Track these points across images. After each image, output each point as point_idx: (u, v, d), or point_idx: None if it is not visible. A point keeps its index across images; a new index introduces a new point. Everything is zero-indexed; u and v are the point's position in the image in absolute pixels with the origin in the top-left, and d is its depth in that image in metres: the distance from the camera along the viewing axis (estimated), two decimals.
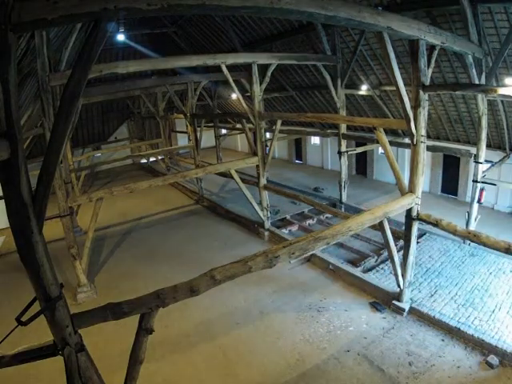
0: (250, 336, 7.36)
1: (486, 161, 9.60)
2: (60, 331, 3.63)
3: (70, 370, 3.74)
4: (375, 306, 7.87)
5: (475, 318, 7.02)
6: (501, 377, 5.79)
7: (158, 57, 12.95)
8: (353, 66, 12.50)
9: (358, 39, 11.45)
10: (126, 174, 24.26)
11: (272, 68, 10.77)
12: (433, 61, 6.46)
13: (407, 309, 7.51)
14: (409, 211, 7.01)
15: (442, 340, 6.71)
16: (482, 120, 8.96)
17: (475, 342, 6.48)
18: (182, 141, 26.75)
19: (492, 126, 11.24)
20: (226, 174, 11.89)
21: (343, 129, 13.07)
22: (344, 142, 13.20)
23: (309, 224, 12.89)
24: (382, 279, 8.67)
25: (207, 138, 24.97)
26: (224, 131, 25.97)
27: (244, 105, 11.05)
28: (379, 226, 6.72)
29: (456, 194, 14.10)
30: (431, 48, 6.36)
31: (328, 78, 12.16)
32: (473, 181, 9.57)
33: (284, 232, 11.96)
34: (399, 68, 6.25)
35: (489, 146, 11.43)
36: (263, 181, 11.55)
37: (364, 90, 13.65)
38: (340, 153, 13.25)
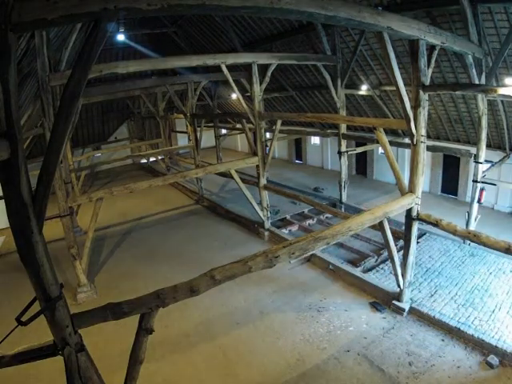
0: (250, 336, 7.36)
1: (486, 161, 9.60)
2: (60, 331, 3.63)
3: (70, 370, 3.74)
4: (375, 306, 7.87)
5: (475, 318, 7.02)
6: (501, 377, 5.79)
7: (157, 57, 12.96)
8: (353, 66, 12.50)
9: (357, 39, 11.44)
10: (125, 174, 24.27)
11: (272, 68, 10.77)
12: (433, 61, 6.46)
13: (407, 309, 7.51)
14: (409, 211, 7.01)
15: (442, 340, 6.71)
16: (482, 120, 8.97)
17: (475, 342, 6.48)
18: (182, 141, 26.75)
19: (492, 126, 11.24)
20: (226, 174, 11.89)
21: (343, 129, 13.07)
22: (344, 142, 13.21)
23: (309, 224, 12.89)
24: (382, 279, 8.67)
25: (207, 138, 24.98)
26: (224, 131, 25.96)
27: (244, 105, 11.05)
28: (379, 226, 6.72)
29: (456, 194, 14.10)
30: (431, 48, 6.36)
31: (328, 77, 12.16)
32: (473, 181, 9.57)
33: (284, 232, 11.96)
34: (399, 68, 6.25)
35: (489, 146, 11.43)
36: (263, 181, 11.56)
37: (364, 90, 13.65)
38: (340, 153, 13.25)
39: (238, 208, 14.23)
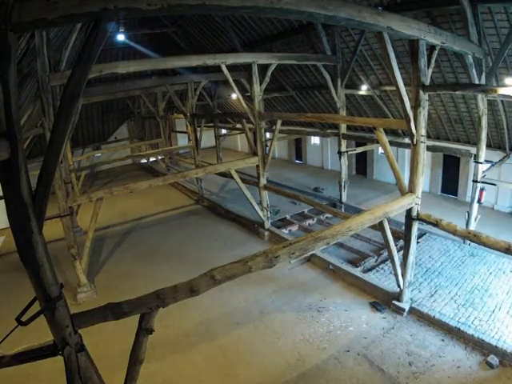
0: (250, 336, 7.36)
1: (486, 161, 9.60)
2: (60, 331, 3.63)
3: (70, 370, 3.74)
4: (375, 306, 7.87)
5: (475, 318, 7.02)
6: (501, 377, 5.79)
7: (157, 57, 12.96)
8: (353, 66, 12.50)
9: (357, 39, 11.45)
10: (125, 174, 24.27)
11: (272, 68, 10.77)
12: (433, 61, 6.46)
13: (407, 309, 7.51)
14: (409, 211, 7.01)
15: (442, 340, 6.71)
16: (482, 120, 8.97)
17: (475, 342, 6.48)
18: (182, 141, 26.75)
19: (492, 126, 11.24)
20: (226, 174, 11.89)
21: (343, 129, 13.07)
22: (344, 142, 13.21)
23: (309, 224, 12.89)
24: (382, 279, 8.67)
25: (207, 138, 24.97)
26: (224, 131, 25.97)
27: (244, 105, 11.05)
28: (379, 226, 6.72)
29: (456, 194, 14.10)
30: (431, 48, 6.36)
31: (328, 77, 12.17)
32: (473, 181, 9.57)
33: (284, 232, 11.96)
34: (399, 68, 6.25)
35: (489, 146, 11.43)
36: (263, 181, 11.56)
37: (364, 90, 13.65)
38: (340, 153, 13.26)
39: (238, 208, 14.23)
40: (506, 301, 7.46)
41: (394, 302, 7.70)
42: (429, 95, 7.74)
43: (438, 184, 14.68)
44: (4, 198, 3.06)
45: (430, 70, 6.45)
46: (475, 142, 9.64)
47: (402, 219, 7.41)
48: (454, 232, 6.39)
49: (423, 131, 6.53)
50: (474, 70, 8.23)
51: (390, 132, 14.54)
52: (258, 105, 10.89)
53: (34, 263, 3.30)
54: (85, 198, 9.18)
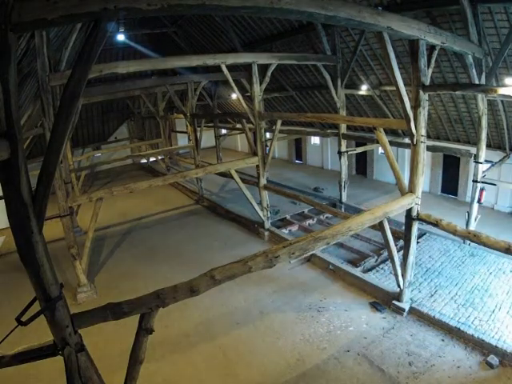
0: (250, 336, 7.36)
1: (486, 161, 9.60)
2: (60, 331, 3.63)
3: (70, 370, 3.74)
4: (375, 306, 7.87)
5: (475, 318, 7.02)
6: (501, 377, 5.79)
7: (157, 57, 12.96)
8: (353, 66, 12.50)
9: (358, 39, 11.45)
10: (125, 174, 24.27)
11: (272, 68, 10.77)
12: (433, 61, 6.46)
13: (407, 309, 7.51)
14: (409, 211, 7.01)
15: (442, 340, 6.71)
16: (482, 120, 8.97)
17: (475, 342, 6.48)
18: (182, 141, 26.76)
19: (492, 126, 11.24)
20: (226, 174, 11.89)
21: (343, 129, 13.07)
22: (344, 142, 13.21)
23: (309, 224, 12.89)
24: (382, 279, 8.67)
25: (207, 138, 24.97)
26: (224, 131, 25.97)
27: (244, 105, 11.05)
28: (379, 226, 6.72)
29: (456, 194, 14.10)
30: (431, 48, 6.36)
31: (328, 77, 12.17)
32: (473, 181, 9.57)
33: (284, 232, 11.96)
34: (399, 68, 6.25)
35: (489, 146, 11.43)
36: (263, 181, 11.56)
37: (364, 89, 13.65)
38: (340, 153, 13.26)
39: (238, 208, 14.23)
40: (506, 301, 7.46)
41: (394, 302, 7.70)
42: (429, 95, 7.74)
43: (437, 184, 14.68)
44: (4, 198, 3.06)
45: (430, 70, 6.45)
46: (475, 142, 9.64)
47: (402, 219, 7.41)
48: (454, 232, 6.39)
49: (423, 131, 6.53)
50: (473, 70, 8.23)
51: (390, 132, 14.54)
52: (258, 105, 10.89)
53: (34, 263, 3.30)
54: (85, 198, 9.18)
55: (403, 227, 7.73)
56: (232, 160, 11.47)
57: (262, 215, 11.89)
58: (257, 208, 11.79)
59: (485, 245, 5.88)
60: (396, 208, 6.52)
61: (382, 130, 7.22)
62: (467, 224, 9.68)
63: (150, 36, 20.59)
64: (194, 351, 7.05)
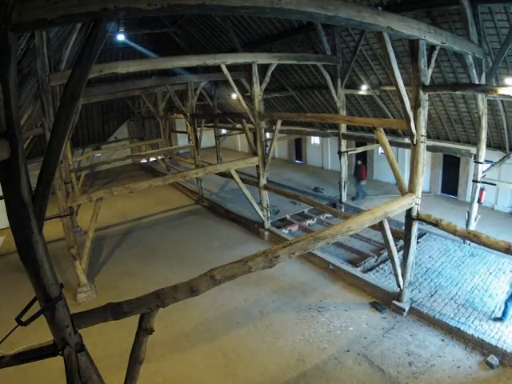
0: (250, 336, 7.36)
1: (486, 161, 9.59)
2: (60, 331, 3.63)
3: (70, 370, 3.74)
4: (375, 306, 7.87)
5: (475, 318, 7.02)
6: (501, 377, 5.79)
7: (157, 57, 12.96)
8: (353, 66, 12.49)
9: (357, 39, 11.44)
10: (125, 174, 24.26)
11: (272, 68, 10.76)
12: (433, 61, 6.46)
13: (407, 309, 7.51)
14: (409, 211, 7.01)
15: (442, 340, 6.71)
16: (482, 120, 8.97)
17: (475, 342, 6.48)
18: (182, 141, 26.75)
19: (492, 126, 11.23)
20: (226, 174, 11.89)
21: (343, 129, 13.07)
22: (344, 142, 13.22)
23: (309, 224, 12.89)
24: (382, 279, 8.67)
25: (207, 138, 24.97)
26: (224, 131, 25.97)
27: (244, 105, 11.05)
28: (379, 226, 6.72)
29: (456, 194, 14.09)
30: (431, 48, 6.36)
31: (328, 77, 12.17)
32: (473, 181, 9.57)
33: (284, 232, 11.96)
34: (399, 68, 6.25)
35: (489, 146, 11.42)
36: (263, 181, 11.55)
37: (364, 89, 13.64)
38: (340, 153, 13.27)
39: (238, 208, 14.23)
40: None
41: (394, 301, 7.70)
42: (429, 95, 7.73)
43: (438, 184, 14.68)
44: (4, 198, 3.06)
45: (430, 70, 6.45)
46: (475, 142, 9.64)
47: (402, 219, 7.41)
48: (454, 232, 6.38)
49: (423, 131, 6.53)
50: (474, 70, 8.23)
51: (390, 132, 14.54)
52: (258, 105, 10.89)
53: (34, 263, 3.30)
54: (85, 198, 9.17)
55: (403, 227, 7.73)
56: (232, 160, 11.46)
57: (261, 215, 11.89)
58: (257, 208, 11.79)
59: (485, 245, 5.87)
60: (396, 208, 6.52)
61: (381, 129, 7.22)
62: (467, 224, 9.68)
63: (150, 36, 20.58)
64: (194, 351, 7.05)
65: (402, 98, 6.27)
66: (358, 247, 10.66)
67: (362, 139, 14.10)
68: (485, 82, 8.53)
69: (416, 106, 6.39)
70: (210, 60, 9.46)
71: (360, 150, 14.44)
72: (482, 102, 8.79)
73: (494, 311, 7.16)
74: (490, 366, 5.98)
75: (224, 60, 9.63)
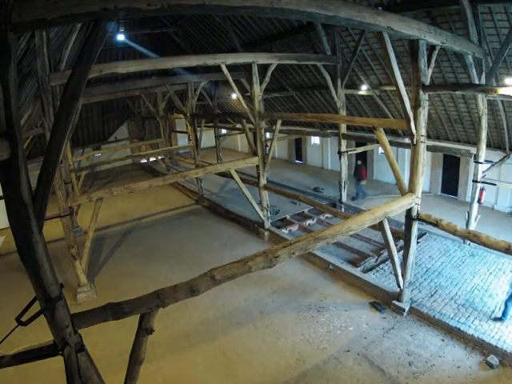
0: (250, 336, 7.36)
1: (486, 161, 9.60)
2: (60, 331, 3.63)
3: (70, 370, 3.74)
4: (375, 306, 7.87)
5: (475, 318, 7.02)
6: (501, 377, 5.79)
7: (157, 57, 12.96)
8: (353, 66, 12.50)
9: (357, 39, 11.44)
10: (125, 174, 24.26)
11: (272, 68, 10.76)
12: (433, 61, 6.46)
13: (407, 309, 7.51)
14: (409, 211, 7.01)
15: (442, 340, 6.71)
16: (482, 120, 8.97)
17: (475, 342, 6.48)
18: (182, 141, 26.75)
19: (492, 126, 11.23)
20: (226, 174, 11.89)
21: (343, 129, 13.07)
22: (344, 142, 13.22)
23: (309, 224, 12.89)
24: (382, 279, 8.67)
25: (207, 138, 24.97)
26: (224, 131, 25.97)
27: (244, 105, 11.05)
28: (379, 226, 6.72)
29: (456, 194, 14.09)
30: (431, 48, 6.36)
31: (328, 77, 12.17)
32: (473, 181, 9.57)
33: (284, 232, 11.97)
34: (399, 68, 6.25)
35: (489, 146, 11.42)
36: (263, 181, 11.55)
37: (364, 89, 13.64)
38: (340, 153, 13.27)
39: (238, 208, 14.23)
40: None
41: (394, 301, 7.70)
42: (429, 95, 7.73)
43: (438, 184, 14.68)
44: (4, 198, 3.06)
45: (430, 70, 6.45)
46: (475, 142, 9.64)
47: (402, 219, 7.41)
48: (454, 232, 6.38)
49: (423, 131, 6.53)
50: (474, 70, 8.22)
51: (390, 132, 14.54)
52: (258, 105, 10.89)
53: (34, 263, 3.30)
54: (85, 198, 9.17)
55: (403, 227, 7.73)
56: (232, 160, 11.46)
57: (261, 215, 11.89)
58: (257, 208, 11.79)
59: (485, 245, 5.87)
60: (396, 208, 6.52)
61: (381, 129, 7.22)
62: (467, 224, 9.68)
63: (150, 36, 20.58)
64: (194, 351, 7.05)
65: (401, 97, 6.27)
66: (358, 247, 10.66)
67: (362, 139, 14.10)
68: (485, 81, 8.53)
69: (416, 106, 6.39)
70: (209, 60, 9.46)
71: (360, 149, 14.44)
72: (481, 101, 8.79)
73: (494, 311, 7.16)
74: (490, 366, 5.98)
75: (224, 60, 9.63)
